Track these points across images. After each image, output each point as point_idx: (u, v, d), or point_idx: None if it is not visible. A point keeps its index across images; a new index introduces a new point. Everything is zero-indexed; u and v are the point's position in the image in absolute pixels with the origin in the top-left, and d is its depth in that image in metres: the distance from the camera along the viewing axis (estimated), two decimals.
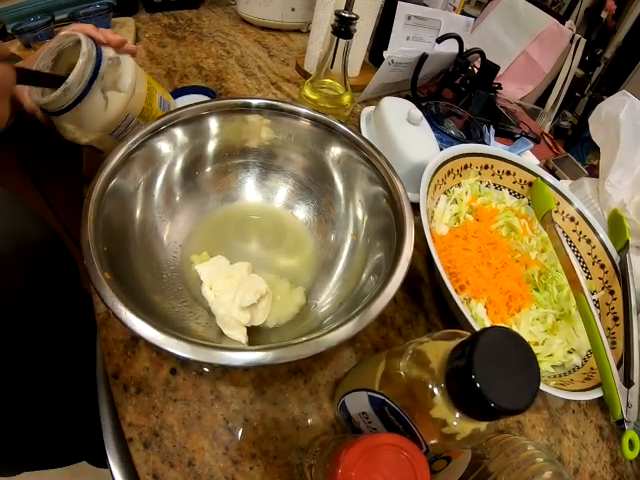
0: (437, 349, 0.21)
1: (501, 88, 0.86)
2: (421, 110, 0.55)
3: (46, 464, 0.62)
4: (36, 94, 0.38)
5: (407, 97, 0.69)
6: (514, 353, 0.19)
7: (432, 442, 0.21)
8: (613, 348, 0.42)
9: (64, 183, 0.65)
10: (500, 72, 0.81)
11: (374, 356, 0.30)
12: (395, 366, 0.23)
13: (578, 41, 1.03)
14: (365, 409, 0.27)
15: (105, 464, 0.35)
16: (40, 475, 0.62)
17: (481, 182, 0.53)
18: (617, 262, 0.48)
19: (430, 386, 0.20)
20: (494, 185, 0.54)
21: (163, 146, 0.40)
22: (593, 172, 0.70)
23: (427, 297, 0.46)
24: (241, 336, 0.34)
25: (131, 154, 0.37)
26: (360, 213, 0.43)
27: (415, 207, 0.38)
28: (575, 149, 1.60)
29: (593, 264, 0.50)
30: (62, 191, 0.70)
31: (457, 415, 0.20)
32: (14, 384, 0.38)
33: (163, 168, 0.41)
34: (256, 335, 0.36)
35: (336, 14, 0.47)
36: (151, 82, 0.44)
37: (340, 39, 0.49)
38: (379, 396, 0.24)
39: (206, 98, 0.60)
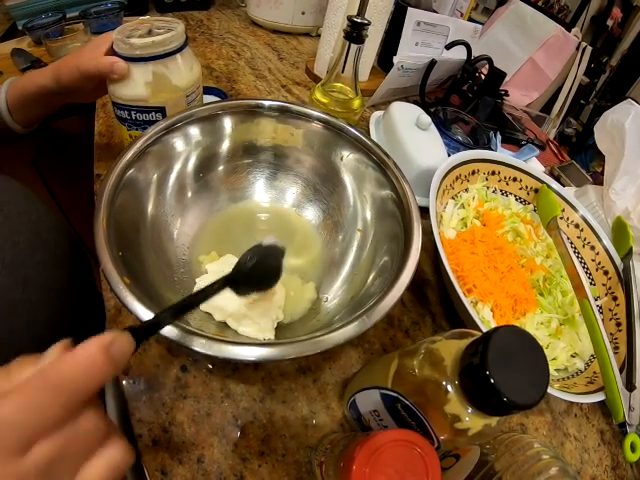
0: (450, 347, 0.22)
1: (507, 95, 0.87)
2: (429, 115, 0.56)
3: None
4: (124, 40, 0.39)
5: (415, 102, 0.69)
6: (525, 351, 0.20)
7: (444, 438, 0.22)
8: (616, 353, 0.42)
9: (73, 183, 0.65)
10: (506, 79, 0.82)
11: (385, 356, 0.31)
12: (408, 365, 0.24)
13: (584, 49, 1.04)
14: (377, 407, 0.27)
15: None
16: None
17: (488, 188, 0.54)
18: (620, 269, 0.48)
19: (444, 383, 0.21)
20: (501, 191, 0.55)
21: (177, 143, 0.41)
22: (597, 179, 0.70)
23: (434, 300, 0.47)
24: (262, 333, 0.34)
25: (147, 148, 0.37)
26: (368, 215, 0.43)
27: (423, 211, 0.38)
28: (579, 156, 1.60)
29: (597, 270, 0.50)
30: (70, 190, 0.71)
31: (469, 410, 0.20)
32: None
33: (176, 165, 0.41)
34: None
35: (349, 19, 0.48)
36: None
37: (352, 44, 0.49)
38: (392, 393, 0.24)
39: (218, 99, 0.60)
